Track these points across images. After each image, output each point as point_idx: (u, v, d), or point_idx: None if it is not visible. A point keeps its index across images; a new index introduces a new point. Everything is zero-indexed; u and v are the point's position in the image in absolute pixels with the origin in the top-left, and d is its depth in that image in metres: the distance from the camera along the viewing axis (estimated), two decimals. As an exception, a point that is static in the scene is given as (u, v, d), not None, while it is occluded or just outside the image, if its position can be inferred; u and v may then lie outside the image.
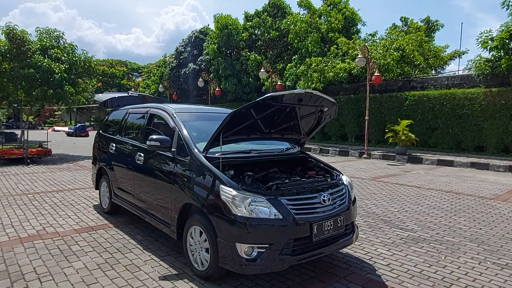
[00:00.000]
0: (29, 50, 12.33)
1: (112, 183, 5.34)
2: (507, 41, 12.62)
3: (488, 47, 13.13)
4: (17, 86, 12.77)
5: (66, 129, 33.25)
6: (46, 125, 44.69)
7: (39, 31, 13.85)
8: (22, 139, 13.73)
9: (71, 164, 11.72)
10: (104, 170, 5.64)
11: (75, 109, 44.51)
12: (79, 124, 33.36)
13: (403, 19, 23.85)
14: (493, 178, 9.68)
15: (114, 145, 5.38)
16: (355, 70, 16.93)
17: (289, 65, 20.27)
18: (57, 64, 12.69)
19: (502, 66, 12.62)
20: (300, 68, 19.22)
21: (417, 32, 19.63)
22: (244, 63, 23.13)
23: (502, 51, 12.78)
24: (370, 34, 20.83)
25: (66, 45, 14.34)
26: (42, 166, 11.05)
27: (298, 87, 19.02)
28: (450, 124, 14.23)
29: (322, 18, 20.56)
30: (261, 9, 24.39)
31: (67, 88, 12.93)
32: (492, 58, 13.22)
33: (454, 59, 24.05)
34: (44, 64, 12.23)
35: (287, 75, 20.03)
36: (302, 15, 21.52)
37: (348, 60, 17.72)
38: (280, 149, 4.48)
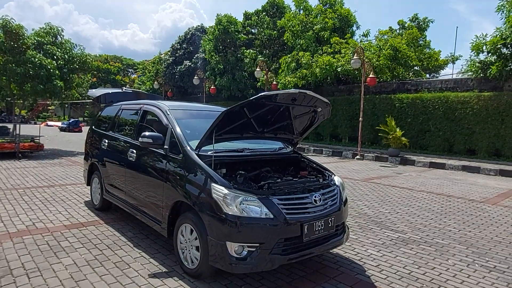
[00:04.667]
0: (23, 44, 12.20)
1: (104, 180, 5.31)
2: (499, 46, 12.75)
3: (481, 53, 13.26)
4: (10, 80, 12.62)
5: (59, 124, 33.01)
6: (39, 119, 44.24)
7: (37, 33, 13.69)
8: (14, 133, 13.58)
9: (63, 159, 11.63)
10: (96, 166, 5.61)
11: (67, 105, 44.16)
12: (72, 119, 33.13)
13: (400, 23, 23.96)
14: (483, 182, 9.78)
15: (106, 141, 5.35)
16: (342, 69, 16.91)
17: (283, 62, 20.24)
18: (48, 60, 12.53)
19: (494, 71, 12.74)
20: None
21: (409, 30, 19.72)
22: (240, 60, 23.08)
23: (494, 55, 12.91)
24: (363, 35, 20.90)
25: (63, 41, 14.21)
26: (34, 161, 10.95)
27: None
28: (443, 127, 14.34)
29: (318, 17, 20.59)
30: (261, 8, 24.38)
31: (56, 83, 12.74)
32: (486, 61, 13.35)
33: (448, 64, 24.23)
34: (36, 60, 12.09)
35: (280, 72, 20.05)
36: (298, 13, 21.53)
37: (338, 56, 17.71)
38: (273, 149, 4.48)
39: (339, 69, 17.14)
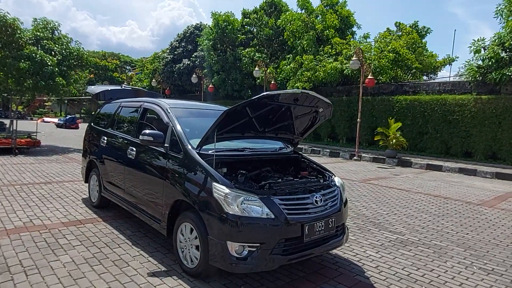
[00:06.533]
0: (20, 39, 12.10)
1: (102, 177, 5.28)
2: (499, 51, 12.79)
3: (482, 58, 13.30)
4: (8, 75, 12.53)
5: (56, 120, 32.78)
6: (35, 115, 43.98)
7: (36, 22, 13.61)
8: (11, 129, 13.48)
9: (60, 156, 11.56)
10: (94, 163, 5.57)
11: (65, 101, 43.93)
12: (69, 116, 32.96)
13: (397, 24, 23.99)
14: (480, 184, 9.83)
15: (105, 138, 5.32)
16: (347, 71, 16.96)
17: (283, 61, 20.26)
18: (50, 57, 12.47)
19: (494, 76, 12.75)
20: (290, 65, 19.24)
21: (409, 35, 19.77)
22: (238, 60, 23.04)
23: (493, 60, 12.95)
24: (364, 36, 20.90)
25: (60, 36, 14.12)
26: (31, 157, 10.88)
27: (287, 86, 19.09)
28: (440, 129, 14.39)
29: (319, 17, 20.60)
30: (258, 7, 24.31)
31: (58, 80, 12.72)
32: (484, 65, 13.39)
33: (444, 66, 24.24)
34: (38, 56, 12.01)
35: (280, 72, 20.04)
36: (299, 13, 21.49)
37: (341, 59, 17.74)
38: (273, 148, 4.47)
39: (345, 72, 17.12)
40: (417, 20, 25.58)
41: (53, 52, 13.10)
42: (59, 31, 14.25)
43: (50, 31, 13.87)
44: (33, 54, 11.97)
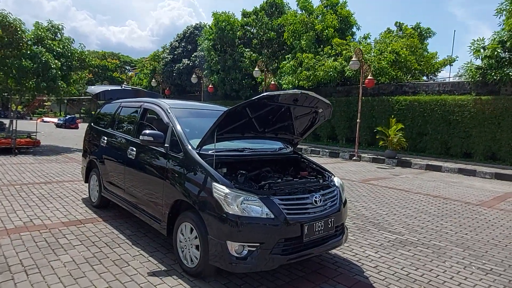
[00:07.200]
0: (21, 39, 12.10)
1: (102, 177, 5.29)
2: (499, 50, 12.80)
3: (481, 57, 13.32)
4: (8, 75, 12.53)
5: (55, 120, 32.77)
6: (34, 115, 43.96)
7: (38, 24, 13.62)
8: (11, 129, 13.48)
9: (60, 156, 11.57)
10: (95, 163, 5.58)
11: (65, 101, 43.91)
12: (69, 116, 32.94)
13: (397, 24, 24.02)
14: (479, 185, 9.84)
15: (105, 138, 5.33)
16: (348, 72, 16.98)
17: (283, 62, 20.30)
18: (54, 61, 12.49)
19: (494, 76, 12.77)
20: (290, 62, 19.24)
21: (410, 38, 19.79)
22: (237, 60, 23.05)
23: (493, 59, 12.97)
24: (364, 37, 20.91)
25: (62, 39, 14.14)
26: (30, 157, 10.89)
27: (284, 84, 19.09)
28: (440, 129, 14.41)
29: (318, 18, 20.62)
30: (259, 7, 24.32)
31: (60, 83, 12.76)
32: (484, 66, 13.40)
33: (444, 67, 24.27)
34: (43, 57, 12.01)
35: (280, 73, 20.06)
36: (299, 14, 21.50)
37: (340, 59, 17.77)
38: (273, 149, 4.49)
39: (347, 74, 17.11)
40: (419, 22, 25.52)
41: (54, 53, 13.09)
42: (61, 34, 14.26)
43: (53, 33, 13.88)
44: (39, 56, 11.96)
